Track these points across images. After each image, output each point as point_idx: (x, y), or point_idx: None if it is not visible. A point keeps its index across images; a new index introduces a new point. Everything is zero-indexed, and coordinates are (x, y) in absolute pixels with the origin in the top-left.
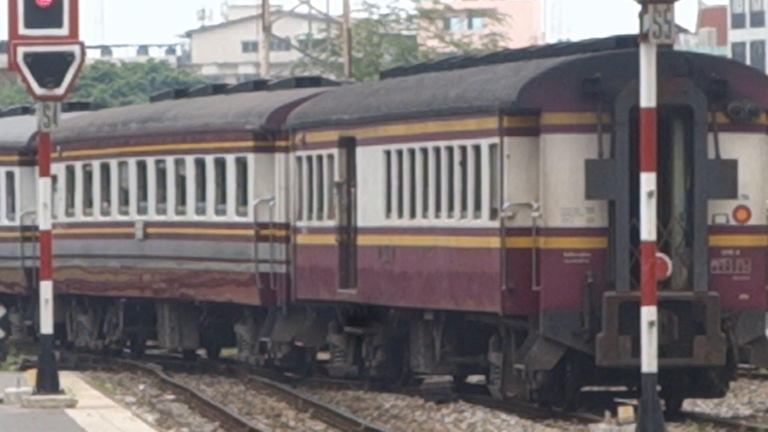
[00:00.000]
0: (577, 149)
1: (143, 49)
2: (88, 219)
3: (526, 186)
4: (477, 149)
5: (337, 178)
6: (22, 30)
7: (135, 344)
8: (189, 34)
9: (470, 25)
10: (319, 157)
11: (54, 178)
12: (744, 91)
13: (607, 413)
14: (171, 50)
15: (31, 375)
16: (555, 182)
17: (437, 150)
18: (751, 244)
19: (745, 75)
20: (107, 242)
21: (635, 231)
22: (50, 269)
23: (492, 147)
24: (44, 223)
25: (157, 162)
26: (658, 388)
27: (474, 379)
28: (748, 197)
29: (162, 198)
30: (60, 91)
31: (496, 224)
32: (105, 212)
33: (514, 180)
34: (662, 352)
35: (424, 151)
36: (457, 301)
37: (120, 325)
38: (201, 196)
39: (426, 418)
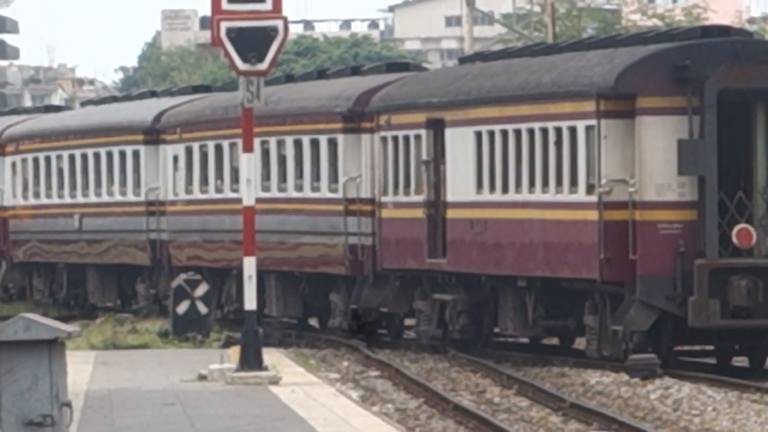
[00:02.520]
0: (670, 130)
1: (346, 23)
2: (205, 196)
3: (621, 164)
4: (573, 130)
5: (425, 157)
6: (225, 5)
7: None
8: (392, 9)
9: None
10: (406, 137)
11: (175, 158)
12: None
13: None
14: (374, 25)
15: (234, 352)
16: (650, 160)
17: (531, 131)
18: None
19: None
20: (220, 218)
21: (723, 204)
22: (254, 245)
23: (589, 128)
24: (248, 199)
25: (262, 143)
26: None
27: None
28: None
29: (267, 176)
30: (263, 66)
31: (593, 198)
32: (219, 189)
33: (611, 158)
34: (748, 314)
35: (518, 131)
36: (552, 269)
37: (234, 295)
38: (299, 174)
39: (631, 394)
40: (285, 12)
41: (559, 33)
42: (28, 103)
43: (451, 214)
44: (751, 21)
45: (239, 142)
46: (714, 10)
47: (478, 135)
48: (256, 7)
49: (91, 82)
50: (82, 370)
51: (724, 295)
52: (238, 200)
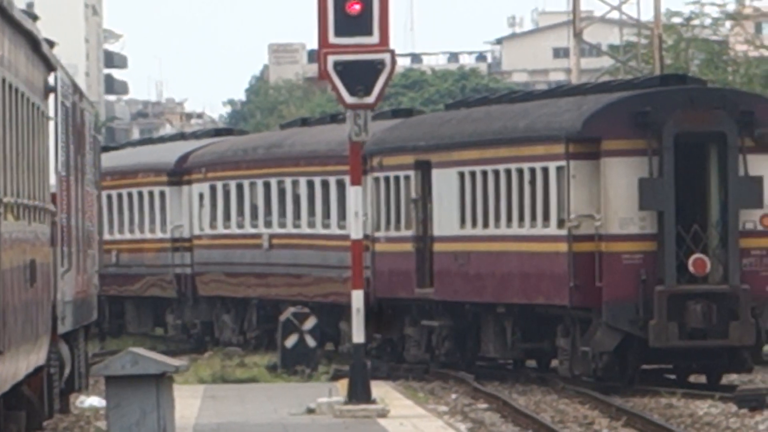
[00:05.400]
0: (632, 169)
1: (453, 56)
2: (227, 231)
3: (588, 200)
4: (545, 171)
5: (413, 196)
6: (332, 38)
7: (270, 342)
8: (499, 41)
9: None
10: (396, 178)
11: (200, 196)
12: None
13: None
14: (481, 57)
15: (342, 385)
16: (613, 197)
17: (508, 171)
18: None
19: None
20: (242, 252)
21: (680, 236)
22: (362, 278)
23: (559, 169)
24: (356, 233)
25: (279, 182)
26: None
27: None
28: None
29: (282, 213)
30: (370, 99)
31: (563, 232)
32: (240, 225)
33: (579, 196)
34: (703, 335)
35: (496, 172)
36: (528, 296)
37: (254, 323)
38: (312, 211)
39: (740, 425)
40: (392, 45)
41: (668, 65)
42: (136, 137)
43: (437, 247)
44: None
45: (258, 181)
46: None
47: (461, 175)
48: (364, 40)
49: (200, 116)
50: (190, 404)
51: (682, 318)
52: (258, 235)
